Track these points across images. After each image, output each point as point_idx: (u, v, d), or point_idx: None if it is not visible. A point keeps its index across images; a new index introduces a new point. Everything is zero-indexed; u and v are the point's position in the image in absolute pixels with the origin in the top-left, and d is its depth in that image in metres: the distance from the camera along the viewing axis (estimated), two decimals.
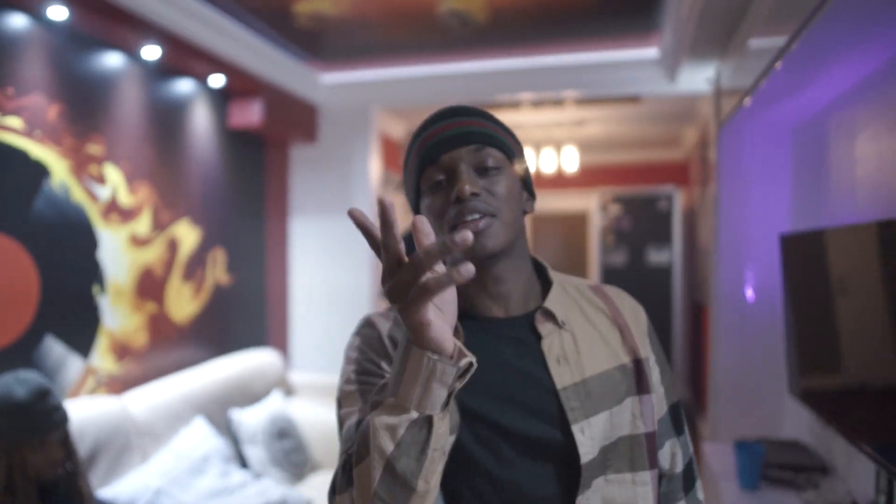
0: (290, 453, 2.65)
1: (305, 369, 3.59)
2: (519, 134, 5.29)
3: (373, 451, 0.68)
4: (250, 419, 2.58)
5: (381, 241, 0.64)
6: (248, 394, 2.75)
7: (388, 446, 0.68)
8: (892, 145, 1.69)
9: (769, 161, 2.68)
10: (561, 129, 5.15)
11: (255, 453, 2.52)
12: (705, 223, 4.36)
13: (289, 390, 3.11)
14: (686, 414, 0.77)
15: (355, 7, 2.70)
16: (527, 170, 0.92)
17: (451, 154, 0.85)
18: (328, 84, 3.65)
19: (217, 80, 2.94)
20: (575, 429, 0.82)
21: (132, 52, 2.51)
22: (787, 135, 2.67)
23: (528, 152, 5.14)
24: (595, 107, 4.47)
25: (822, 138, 2.26)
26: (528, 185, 0.92)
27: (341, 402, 0.86)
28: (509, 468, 0.81)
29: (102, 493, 1.96)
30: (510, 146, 0.89)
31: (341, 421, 0.85)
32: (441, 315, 0.68)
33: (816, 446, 2.15)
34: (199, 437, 2.32)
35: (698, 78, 3.06)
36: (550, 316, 0.88)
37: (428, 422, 0.68)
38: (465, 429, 0.82)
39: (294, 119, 3.46)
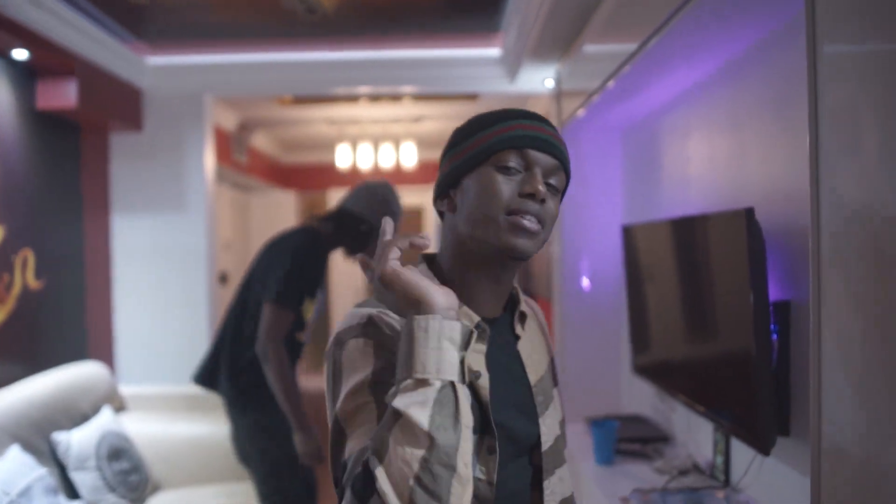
0: (128, 474, 2.37)
1: (136, 381, 3.24)
2: (356, 129, 5.30)
3: (406, 435, 0.66)
4: (78, 441, 2.27)
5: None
6: (74, 413, 2.42)
7: (424, 420, 0.67)
8: (720, 145, 1.90)
9: (604, 159, 2.90)
10: (399, 125, 5.17)
11: (86, 479, 2.22)
12: None
13: (119, 405, 2.79)
14: None
15: None
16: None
17: (538, 154, 0.87)
18: (155, 66, 3.32)
19: (20, 54, 2.54)
20: (540, 421, 0.92)
21: None
22: (617, 136, 2.90)
23: (367, 147, 5.10)
24: (432, 103, 4.54)
25: (652, 139, 2.49)
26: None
27: (344, 420, 0.76)
28: (503, 465, 0.84)
29: None
30: (569, 177, 0.94)
31: (341, 439, 0.76)
32: (431, 284, 0.76)
33: (656, 419, 2.37)
34: (16, 467, 1.99)
35: (537, 78, 3.22)
36: (523, 320, 0.97)
37: (452, 389, 0.70)
38: None
39: (115, 103, 3.10)
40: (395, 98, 4.34)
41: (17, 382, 2.42)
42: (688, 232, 1.86)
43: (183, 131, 3.37)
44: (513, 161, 0.86)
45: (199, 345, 3.33)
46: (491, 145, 0.87)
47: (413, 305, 0.74)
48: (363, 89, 3.65)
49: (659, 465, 1.96)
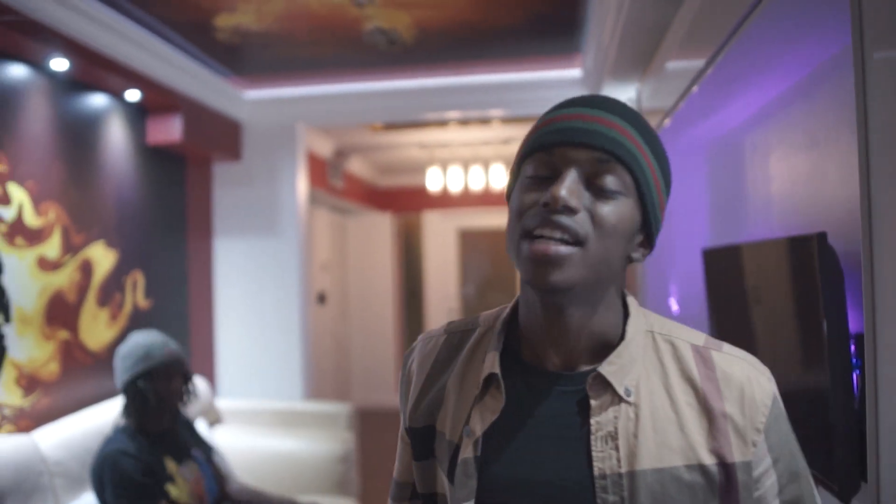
0: None
1: (232, 395, 3.45)
2: (446, 152, 5.38)
3: None
4: None
5: None
6: None
7: None
8: (800, 164, 1.79)
9: (688, 179, 2.79)
10: (488, 147, 5.21)
11: None
12: None
13: (215, 419, 2.97)
14: None
15: (279, 22, 2.64)
16: (656, 207, 0.71)
17: (569, 151, 0.66)
18: (252, 100, 3.56)
19: (133, 95, 2.81)
20: None
21: (38, 64, 2.37)
22: (701, 154, 2.79)
23: (457, 170, 5.17)
24: (521, 125, 4.55)
25: (736, 157, 2.37)
26: (649, 226, 0.71)
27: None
28: None
29: None
30: (645, 168, 0.68)
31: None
32: None
33: None
34: None
35: (619, 98, 3.16)
36: (607, 384, 0.68)
37: None
38: None
39: (216, 136, 3.35)
40: (484, 121, 4.39)
41: None
42: (756, 257, 1.76)
43: (278, 159, 3.58)
44: (538, 167, 0.68)
45: (292, 362, 3.50)
46: (522, 151, 0.71)
47: None
48: (450, 114, 3.73)
49: None
